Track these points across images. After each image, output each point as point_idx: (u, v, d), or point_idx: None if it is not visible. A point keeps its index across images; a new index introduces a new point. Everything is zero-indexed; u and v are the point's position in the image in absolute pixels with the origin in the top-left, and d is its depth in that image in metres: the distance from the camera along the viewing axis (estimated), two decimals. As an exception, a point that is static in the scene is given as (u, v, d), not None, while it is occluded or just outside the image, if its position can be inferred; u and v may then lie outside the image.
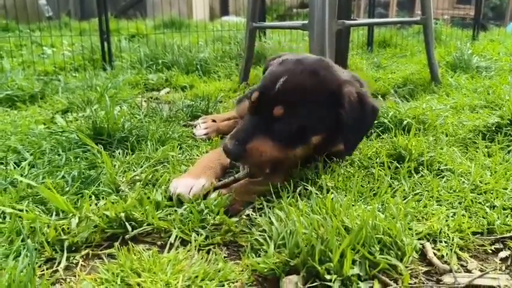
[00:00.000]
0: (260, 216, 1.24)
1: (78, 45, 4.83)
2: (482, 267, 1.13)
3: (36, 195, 1.36)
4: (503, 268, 1.13)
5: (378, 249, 1.06)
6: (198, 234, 1.20)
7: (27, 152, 1.73)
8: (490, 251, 1.19)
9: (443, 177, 1.59)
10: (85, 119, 2.17)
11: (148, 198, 1.32)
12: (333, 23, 2.76)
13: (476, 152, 1.85)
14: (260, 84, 1.46)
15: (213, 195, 1.32)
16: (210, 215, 1.25)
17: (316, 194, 1.24)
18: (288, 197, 1.26)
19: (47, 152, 1.76)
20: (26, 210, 1.25)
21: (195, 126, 2.27)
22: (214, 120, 2.31)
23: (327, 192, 1.22)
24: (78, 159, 1.66)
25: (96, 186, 1.43)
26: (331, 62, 1.58)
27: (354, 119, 1.38)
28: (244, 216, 1.26)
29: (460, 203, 1.40)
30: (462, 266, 1.13)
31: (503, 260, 1.16)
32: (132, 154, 1.76)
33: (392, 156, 1.72)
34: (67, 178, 1.49)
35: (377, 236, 1.08)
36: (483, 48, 4.70)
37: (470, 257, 1.16)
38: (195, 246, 1.14)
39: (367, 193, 1.40)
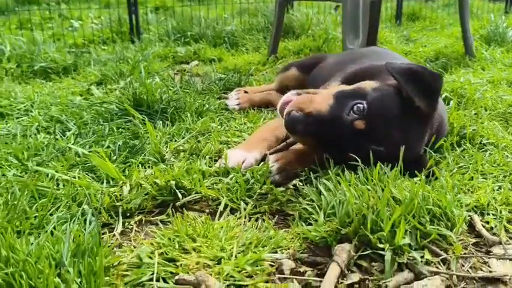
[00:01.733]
0: (306, 185, 1.25)
1: (104, 18, 4.85)
2: (530, 239, 1.13)
3: (85, 164, 1.39)
4: (552, 241, 1.13)
5: (428, 219, 1.07)
6: (245, 203, 1.22)
7: (70, 122, 1.77)
8: (539, 224, 1.19)
9: (486, 150, 1.58)
10: (122, 90, 2.19)
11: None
12: (366, -4, 2.71)
13: (517, 126, 1.82)
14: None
15: (271, 159, 1.34)
16: (256, 185, 1.27)
17: (363, 165, 1.25)
18: (334, 168, 1.27)
19: (89, 122, 1.79)
20: (79, 177, 1.29)
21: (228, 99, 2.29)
22: (246, 92, 2.32)
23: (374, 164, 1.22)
24: (121, 130, 1.69)
25: (142, 156, 1.46)
26: None
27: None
28: (290, 186, 1.27)
29: (505, 177, 1.39)
30: (511, 238, 1.13)
31: (552, 233, 1.16)
32: (172, 125, 1.79)
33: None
34: (112, 147, 1.52)
35: (427, 207, 1.09)
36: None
37: (522, 231, 1.16)
38: (245, 215, 1.17)
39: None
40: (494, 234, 1.13)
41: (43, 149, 1.48)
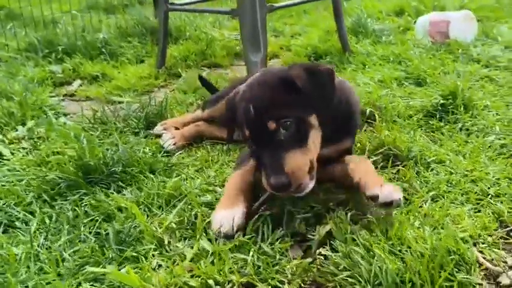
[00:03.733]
0: (334, 251, 1.29)
1: None
2: (513, 259, 1.34)
3: (80, 269, 1.22)
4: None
5: (454, 269, 1.20)
6: (280, 282, 1.22)
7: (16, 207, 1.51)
8: (512, 243, 1.41)
9: (432, 169, 1.77)
10: (65, 158, 1.88)
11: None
12: (263, 7, 2.75)
13: (433, 133, 2.07)
14: (243, 119, 1.42)
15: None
16: (281, 259, 1.27)
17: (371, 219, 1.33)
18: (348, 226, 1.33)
19: (34, 203, 1.56)
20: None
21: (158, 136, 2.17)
22: (177, 128, 2.22)
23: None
24: (83, 209, 1.50)
25: (140, 245, 1.32)
26: None
27: (315, 89, 1.42)
28: (317, 257, 1.30)
29: (463, 195, 1.59)
30: (503, 262, 1.33)
31: (524, 250, 1.39)
32: (129, 188, 1.64)
33: (381, 153, 1.84)
34: (89, 237, 1.36)
35: (451, 257, 1.22)
36: (365, 6, 5.05)
37: (506, 252, 1.36)
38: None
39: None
40: (493, 264, 1.31)
41: (19, 263, 1.25)
